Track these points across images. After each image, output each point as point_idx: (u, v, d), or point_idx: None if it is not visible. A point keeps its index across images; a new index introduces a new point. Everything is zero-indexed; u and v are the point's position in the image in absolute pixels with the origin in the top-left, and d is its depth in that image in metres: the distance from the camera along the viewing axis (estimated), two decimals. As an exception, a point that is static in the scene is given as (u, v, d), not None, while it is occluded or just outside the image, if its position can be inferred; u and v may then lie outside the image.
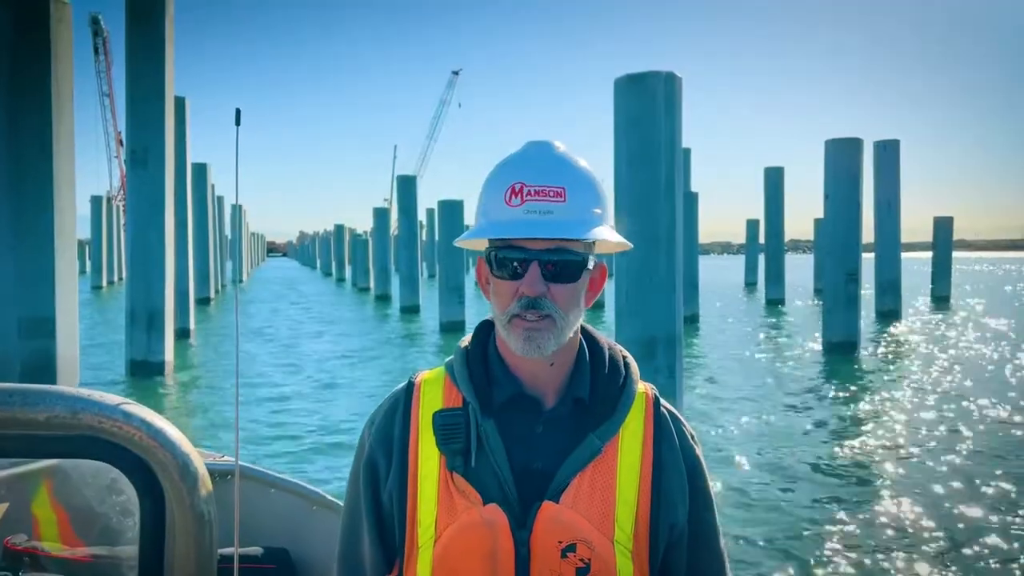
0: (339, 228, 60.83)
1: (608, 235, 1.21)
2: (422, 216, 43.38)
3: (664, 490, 1.21)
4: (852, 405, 10.85)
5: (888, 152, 22.29)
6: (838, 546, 5.63)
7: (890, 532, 5.92)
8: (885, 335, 19.14)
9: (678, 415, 1.29)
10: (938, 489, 6.95)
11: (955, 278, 35.19)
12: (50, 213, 9.32)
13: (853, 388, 12.16)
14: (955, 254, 35.20)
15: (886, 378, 13.24)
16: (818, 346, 16.71)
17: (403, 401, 1.27)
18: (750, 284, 42.35)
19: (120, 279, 47.48)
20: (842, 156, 16.50)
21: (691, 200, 23.59)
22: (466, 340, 1.31)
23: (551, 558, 1.14)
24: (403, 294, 27.42)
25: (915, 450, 8.31)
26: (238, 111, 1.44)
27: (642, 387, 1.28)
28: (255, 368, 14.37)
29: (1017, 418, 9.78)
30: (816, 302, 27.64)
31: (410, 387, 1.28)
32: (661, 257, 8.00)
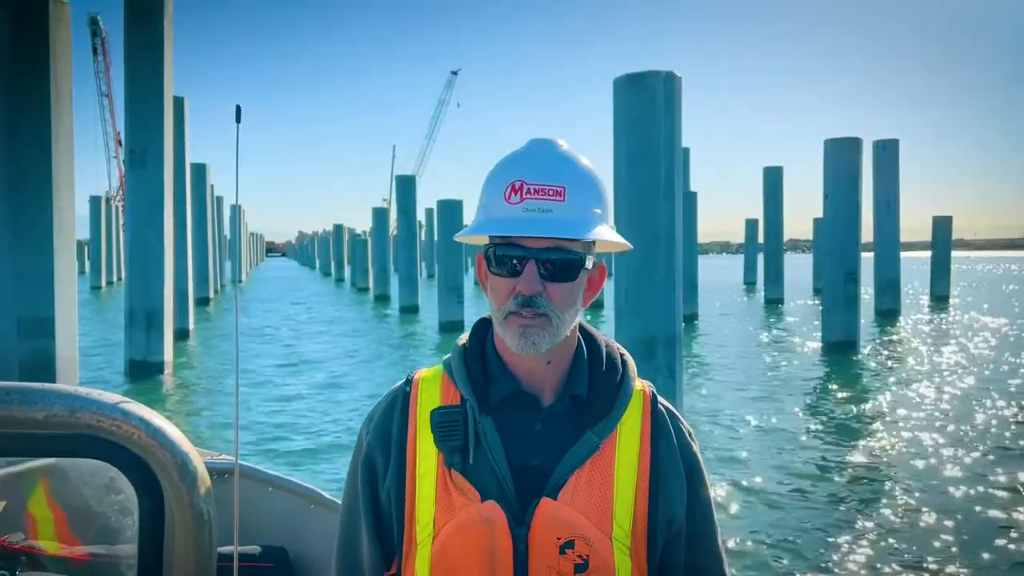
0: (338, 228, 60.81)
1: (607, 235, 1.21)
2: (421, 216, 43.38)
3: (662, 487, 1.21)
4: (852, 404, 10.85)
5: (887, 152, 22.30)
6: (838, 545, 5.63)
7: (890, 530, 5.92)
8: (884, 334, 19.15)
9: (675, 412, 1.30)
10: (938, 488, 6.95)
11: (954, 277, 35.23)
12: (49, 213, 9.32)
13: (852, 387, 12.16)
14: (954, 253, 35.22)
15: (885, 377, 13.24)
16: (817, 345, 16.72)
17: (401, 399, 1.27)
18: (749, 284, 42.36)
19: (119, 279, 47.41)
20: (841, 156, 16.51)
21: (690, 200, 23.58)
22: (464, 338, 1.31)
23: (549, 555, 1.14)
24: (402, 294, 27.39)
25: (915, 449, 8.31)
26: (238, 108, 1.42)
27: (639, 384, 1.28)
28: (255, 368, 14.36)
29: (1017, 416, 9.79)
30: (815, 301, 27.64)
31: (408, 385, 1.28)
32: (661, 257, 7.99)
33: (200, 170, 27.69)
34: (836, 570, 5.24)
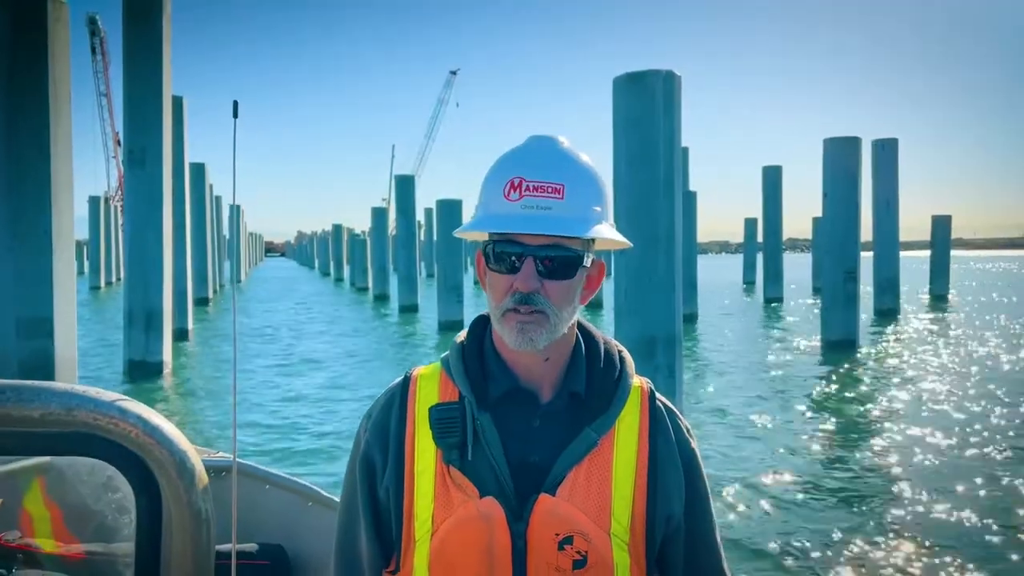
0: (337, 228, 60.78)
1: (607, 233, 1.20)
2: (420, 216, 43.45)
3: (660, 483, 1.21)
4: (851, 403, 10.85)
5: (887, 151, 22.30)
6: (838, 544, 5.63)
7: (890, 529, 5.92)
8: (884, 333, 19.14)
9: (674, 409, 1.29)
10: (938, 486, 6.95)
11: (953, 276, 35.23)
12: (48, 214, 9.32)
13: (852, 386, 12.17)
14: (953, 252, 35.27)
15: (885, 376, 13.24)
16: (817, 344, 16.72)
17: (399, 396, 1.26)
18: (748, 283, 42.33)
19: (118, 280, 47.40)
20: (841, 155, 16.51)
21: (690, 199, 23.58)
22: (462, 335, 1.31)
23: (548, 551, 1.14)
24: (401, 294, 27.39)
25: (914, 447, 8.31)
26: (235, 103, 1.41)
27: (637, 381, 1.28)
28: (253, 367, 14.35)
29: (1016, 415, 9.79)
30: (815, 301, 27.65)
31: (406, 382, 1.28)
32: (660, 256, 7.99)
33: (199, 170, 27.68)
34: (836, 569, 5.24)
